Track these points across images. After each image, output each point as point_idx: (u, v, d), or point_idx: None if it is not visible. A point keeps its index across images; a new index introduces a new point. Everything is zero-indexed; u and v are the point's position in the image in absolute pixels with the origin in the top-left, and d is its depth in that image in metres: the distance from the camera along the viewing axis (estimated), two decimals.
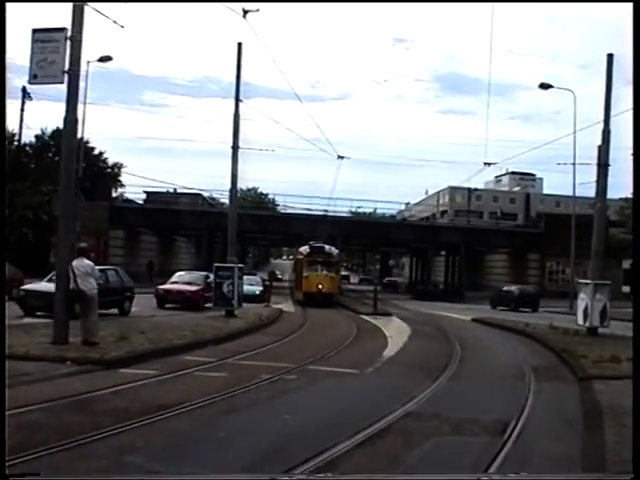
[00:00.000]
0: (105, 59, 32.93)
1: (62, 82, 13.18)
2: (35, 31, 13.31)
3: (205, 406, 8.80)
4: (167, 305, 26.39)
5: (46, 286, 19.14)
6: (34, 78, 13.51)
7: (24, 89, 36.22)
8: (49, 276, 21.15)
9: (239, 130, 23.66)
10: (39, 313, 18.38)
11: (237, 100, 23.70)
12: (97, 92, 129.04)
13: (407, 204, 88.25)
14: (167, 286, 28.04)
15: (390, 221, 65.21)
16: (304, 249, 38.83)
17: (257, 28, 35.39)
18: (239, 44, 23.55)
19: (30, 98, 37.13)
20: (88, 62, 29.62)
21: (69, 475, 5.77)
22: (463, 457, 7.18)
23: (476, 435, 7.92)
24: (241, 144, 23.84)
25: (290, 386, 10.76)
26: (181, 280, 28.95)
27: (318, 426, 8.22)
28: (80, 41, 13.14)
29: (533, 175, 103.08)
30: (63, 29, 13.12)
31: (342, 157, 30.74)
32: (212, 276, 29.27)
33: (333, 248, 39.37)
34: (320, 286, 35.49)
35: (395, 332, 21.23)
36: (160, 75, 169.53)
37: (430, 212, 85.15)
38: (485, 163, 30.40)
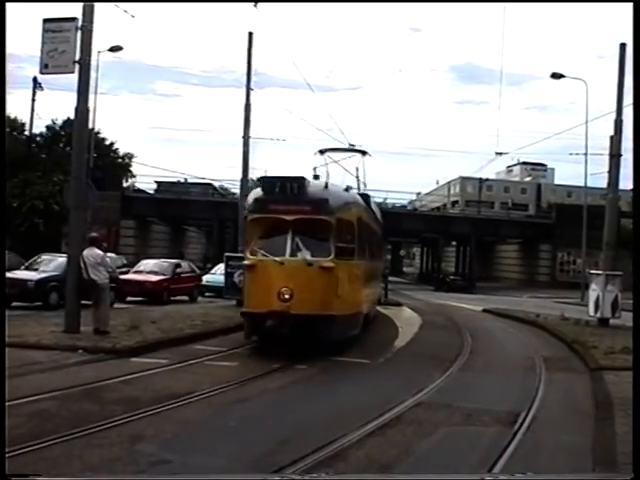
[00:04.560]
0: (116, 49, 32.94)
1: (73, 72, 13.21)
2: (46, 21, 13.34)
3: (216, 395, 8.84)
4: (128, 298, 22.75)
5: (22, 274, 18.96)
6: (45, 68, 13.53)
7: (35, 79, 36.17)
8: (26, 264, 21.09)
9: (250, 120, 23.66)
10: (15, 304, 17.55)
11: (248, 89, 23.70)
12: (109, 82, 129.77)
13: (418, 194, 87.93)
14: (126, 276, 24.33)
15: (401, 211, 64.82)
16: (254, 193, 13.97)
17: (272, 18, 35.31)
18: (250, 33, 23.65)
19: (41, 88, 37.02)
20: (99, 52, 29.67)
21: (70, 475, 5.74)
22: (474, 447, 7.17)
23: (487, 425, 7.91)
24: (253, 134, 23.80)
25: (300, 376, 10.78)
26: (145, 269, 25.96)
27: (328, 415, 8.22)
28: (91, 31, 13.16)
29: (544, 165, 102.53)
30: (74, 19, 13.14)
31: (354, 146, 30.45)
32: (185, 265, 27.79)
33: (334, 186, 14.52)
34: (286, 296, 12.13)
35: (406, 322, 21.18)
36: (173, 65, 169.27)
37: (441, 202, 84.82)
38: (496, 153, 30.26)
